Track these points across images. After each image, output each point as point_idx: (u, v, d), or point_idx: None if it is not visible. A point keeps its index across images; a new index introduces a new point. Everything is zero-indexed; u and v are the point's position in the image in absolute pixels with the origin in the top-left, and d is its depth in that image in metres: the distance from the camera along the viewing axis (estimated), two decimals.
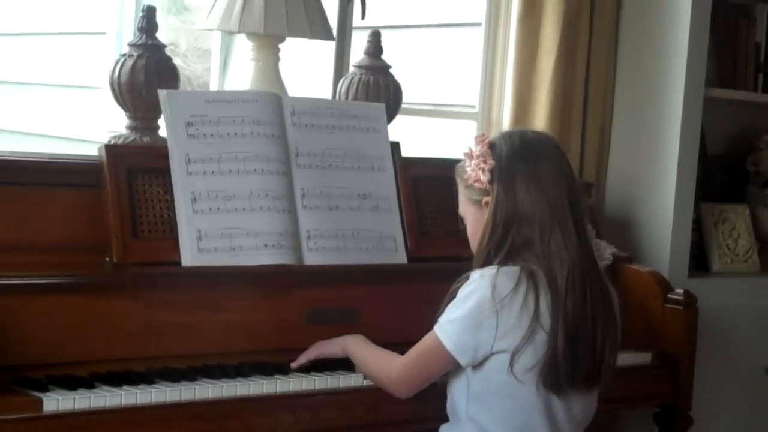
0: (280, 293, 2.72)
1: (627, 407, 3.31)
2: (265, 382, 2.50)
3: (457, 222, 2.79)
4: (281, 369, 2.58)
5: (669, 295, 3.21)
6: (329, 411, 2.53)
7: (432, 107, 3.83)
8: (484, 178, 2.41)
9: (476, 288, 2.35)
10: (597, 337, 2.37)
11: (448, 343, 2.37)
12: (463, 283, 2.40)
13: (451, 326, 2.37)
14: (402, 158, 2.99)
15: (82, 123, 3.32)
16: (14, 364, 2.34)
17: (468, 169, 2.45)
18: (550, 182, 2.39)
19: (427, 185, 3.02)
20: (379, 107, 3.01)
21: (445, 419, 2.51)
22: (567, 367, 2.33)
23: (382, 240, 2.89)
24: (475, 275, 2.37)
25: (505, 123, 3.65)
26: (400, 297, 2.89)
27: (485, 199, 2.44)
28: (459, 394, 2.44)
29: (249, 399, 2.45)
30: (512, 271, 2.35)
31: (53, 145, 3.23)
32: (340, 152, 2.89)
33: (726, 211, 4.00)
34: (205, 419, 2.38)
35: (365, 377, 2.56)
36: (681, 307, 3.17)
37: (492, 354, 2.35)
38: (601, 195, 3.73)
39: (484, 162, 2.41)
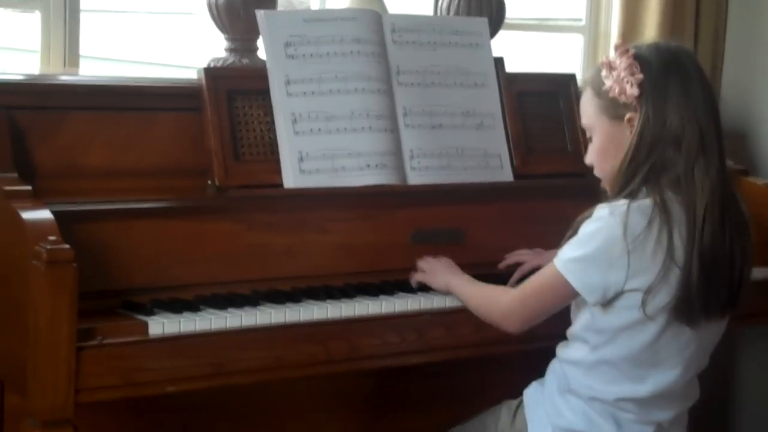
0: (383, 214, 2.69)
1: (749, 323, 3.23)
2: (370, 302, 2.48)
3: (564, 137, 2.74)
4: (386, 289, 2.55)
5: None
6: (436, 331, 2.50)
7: (536, 21, 3.74)
8: (632, 91, 2.24)
9: (605, 226, 2.22)
10: (735, 264, 2.27)
11: (575, 282, 2.25)
12: (587, 218, 2.26)
13: (577, 265, 2.25)
14: (506, 74, 2.92)
15: (182, 49, 3.31)
16: (120, 288, 2.37)
17: (608, 80, 2.28)
18: (700, 103, 2.25)
19: (532, 101, 2.96)
20: (482, 22, 2.94)
21: (557, 337, 2.44)
22: (702, 299, 2.23)
23: (487, 158, 2.83)
24: (603, 212, 2.23)
25: (613, 35, 3.55)
26: (507, 215, 2.84)
27: (629, 114, 2.27)
28: (584, 323, 2.34)
29: (354, 320, 2.44)
30: (645, 206, 2.22)
31: (154, 72, 3.23)
32: (442, 69, 2.83)
33: None
34: (311, 341, 2.37)
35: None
36: None
37: (623, 293, 2.24)
38: None
39: (632, 74, 2.24)
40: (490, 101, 2.87)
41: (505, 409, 2.47)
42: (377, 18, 2.78)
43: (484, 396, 2.59)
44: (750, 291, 2.91)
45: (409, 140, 2.74)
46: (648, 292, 2.22)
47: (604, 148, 2.34)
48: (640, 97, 2.25)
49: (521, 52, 3.56)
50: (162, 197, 2.46)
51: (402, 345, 2.47)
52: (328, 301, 2.47)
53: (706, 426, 3.37)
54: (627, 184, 2.25)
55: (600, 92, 2.32)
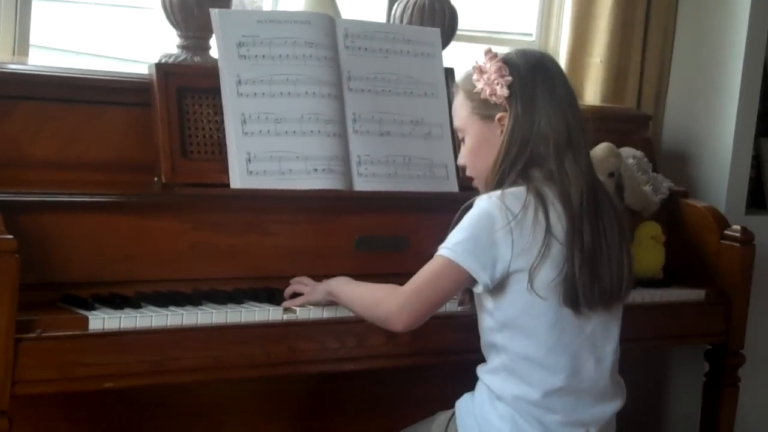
0: (328, 218, 2.70)
1: (678, 343, 3.29)
2: (311, 307, 2.48)
3: None
4: None
5: (725, 232, 3.16)
6: (375, 338, 2.51)
7: (487, 34, 3.76)
8: (502, 92, 2.35)
9: (485, 209, 2.30)
10: (612, 255, 2.35)
11: (465, 262, 2.29)
12: (467, 210, 2.34)
13: (464, 246, 2.30)
14: None
15: (134, 43, 3.29)
16: (61, 281, 2.35)
17: (479, 83, 2.38)
18: (565, 102, 2.37)
19: None
20: (434, 32, 2.95)
21: None
22: (585, 283, 2.30)
23: (434, 167, 2.85)
24: (481, 200, 2.32)
25: (563, 52, 3.58)
26: (450, 225, 2.85)
27: (499, 114, 2.37)
28: (488, 327, 2.38)
29: (295, 324, 2.44)
30: (518, 191, 2.31)
31: (104, 65, 3.20)
32: (393, 77, 2.84)
33: None
34: (251, 343, 2.37)
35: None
36: (737, 244, 3.12)
37: (510, 274, 2.30)
38: (658, 128, 3.67)
39: (501, 76, 2.35)
40: (439, 111, 2.88)
41: (439, 420, 2.49)
42: (331, 23, 2.78)
43: (420, 405, 2.60)
44: (679, 311, 2.98)
45: (357, 146, 2.75)
46: (532, 268, 2.28)
47: (476, 147, 2.43)
48: (509, 97, 2.35)
49: (472, 62, 3.56)
50: (107, 191, 2.44)
51: (341, 351, 2.48)
52: (269, 303, 2.47)
53: None
54: (502, 181, 2.34)
55: (471, 95, 2.41)
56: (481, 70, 2.38)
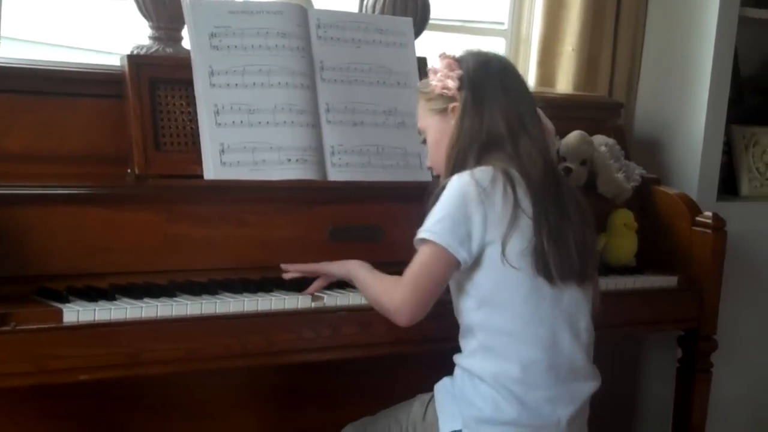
0: (302, 209, 2.70)
1: (651, 329, 3.31)
2: (286, 297, 2.49)
3: None
4: (303, 285, 2.56)
5: (697, 218, 3.18)
6: (350, 328, 2.52)
7: (460, 23, 3.77)
8: (452, 84, 2.46)
9: (456, 185, 2.37)
10: (577, 234, 2.41)
11: (443, 241, 2.34)
12: (440, 192, 2.40)
13: (440, 225, 2.36)
14: None
15: (105, 34, 3.27)
16: (35, 274, 2.34)
17: (432, 82, 2.50)
18: (516, 93, 2.47)
19: None
20: (407, 22, 2.96)
21: None
22: (554, 253, 2.37)
23: (407, 156, 2.86)
24: (452, 179, 2.39)
25: (534, 41, 3.59)
26: (425, 215, 2.85)
27: (452, 105, 2.47)
28: (465, 308, 2.42)
29: (271, 314, 2.44)
30: (486, 168, 2.39)
31: (75, 56, 3.19)
32: (366, 67, 2.84)
33: (757, 134, 3.94)
34: (226, 334, 2.37)
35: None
36: (709, 231, 3.14)
37: (485, 246, 2.35)
38: (630, 115, 3.68)
39: (451, 71, 2.46)
40: (412, 101, 2.87)
41: (418, 403, 2.51)
42: (303, 12, 2.78)
43: (398, 392, 2.61)
44: (652, 297, 3.01)
45: (330, 136, 2.75)
46: (504, 239, 2.35)
47: (435, 141, 2.53)
48: (459, 88, 2.46)
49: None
50: (81, 184, 2.44)
51: (317, 341, 2.48)
52: (244, 294, 2.47)
53: (610, 426, 3.45)
54: (461, 165, 2.42)
55: (427, 94, 2.53)
56: (434, 71, 2.51)
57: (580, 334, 2.44)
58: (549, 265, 2.37)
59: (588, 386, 2.46)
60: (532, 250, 2.36)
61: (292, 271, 2.56)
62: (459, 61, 2.48)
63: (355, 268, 2.52)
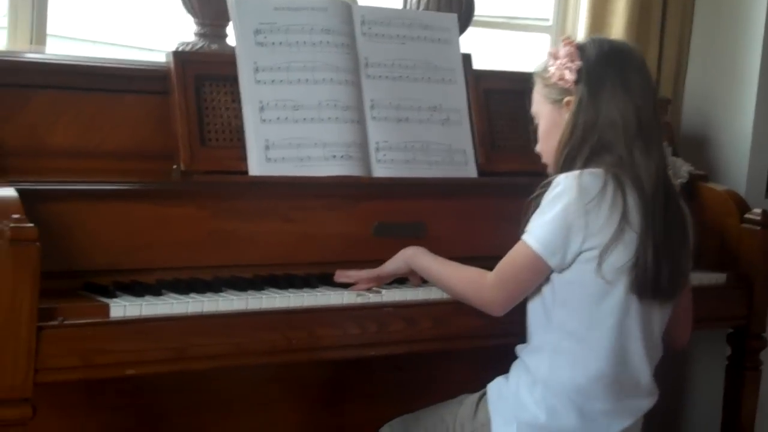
0: (347, 205, 2.69)
1: (700, 327, 3.25)
2: (332, 293, 2.49)
3: (529, 136, 2.75)
4: (349, 282, 2.55)
5: (746, 215, 3.15)
6: (396, 324, 2.51)
7: (504, 19, 3.75)
8: (569, 77, 2.39)
9: (562, 191, 2.31)
10: (676, 249, 2.36)
11: (537, 246, 2.31)
12: (546, 189, 2.35)
13: (540, 230, 2.32)
14: (473, 71, 2.93)
15: (150, 31, 3.29)
16: (82, 269, 2.35)
17: (551, 68, 2.42)
18: (637, 90, 2.37)
19: (498, 98, 2.97)
20: (451, 18, 2.94)
21: (514, 334, 2.47)
22: (652, 273, 2.31)
23: (452, 153, 2.84)
24: (560, 178, 2.33)
25: (580, 36, 3.56)
26: (469, 211, 2.85)
27: (567, 98, 2.41)
28: (545, 301, 2.39)
29: (316, 310, 2.44)
30: (597, 171, 2.32)
31: (121, 54, 3.20)
32: (411, 63, 2.83)
33: None
34: (272, 329, 2.37)
35: (444, 292, 2.51)
36: (758, 228, 3.11)
37: (581, 253, 2.31)
38: (677, 111, 3.65)
39: (571, 61, 2.39)
40: (457, 97, 2.88)
41: (468, 402, 2.49)
42: (347, 9, 2.78)
43: (442, 390, 2.60)
44: (700, 295, 2.97)
45: (375, 133, 2.74)
46: (603, 251, 2.29)
47: (546, 130, 2.47)
48: (577, 82, 2.38)
49: (489, 49, 3.56)
50: (126, 180, 2.45)
51: (362, 337, 2.47)
52: (290, 290, 2.47)
53: (659, 424, 3.42)
54: (569, 165, 2.35)
55: (544, 80, 2.46)
56: (554, 56, 2.42)
57: (652, 351, 2.41)
58: (645, 282, 2.31)
59: (647, 402, 2.43)
60: (633, 265, 2.30)
61: (347, 279, 2.53)
62: (581, 50, 2.40)
63: (416, 257, 2.50)
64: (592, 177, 2.30)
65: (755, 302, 3.10)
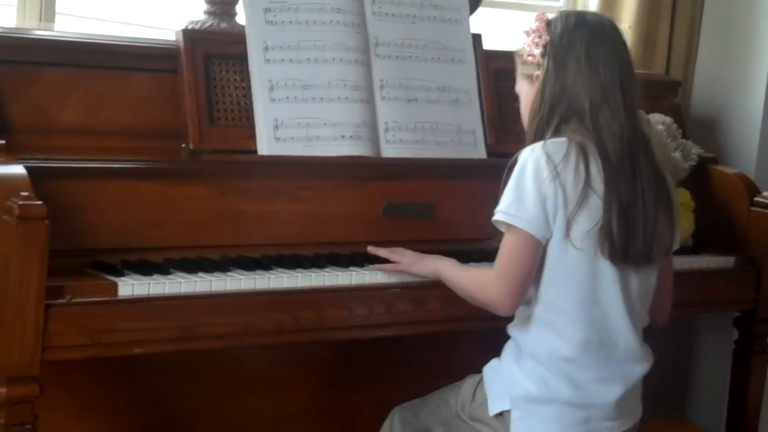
0: (356, 185, 2.69)
1: (708, 310, 3.28)
2: (340, 273, 2.48)
3: None
4: (356, 261, 2.55)
5: (755, 199, 3.14)
6: (403, 305, 2.51)
7: (515, 0, 3.73)
8: (536, 51, 2.42)
9: (528, 160, 2.33)
10: (649, 214, 2.36)
11: (526, 226, 2.32)
12: (512, 166, 2.37)
13: (518, 207, 2.33)
14: (484, 51, 2.92)
15: (159, 10, 3.28)
16: (90, 248, 2.35)
17: (524, 44, 2.46)
18: (600, 61, 2.39)
19: (508, 79, 2.93)
20: None
21: None
22: (621, 236, 2.32)
23: (461, 134, 2.83)
24: (524, 152, 2.36)
25: None
26: (478, 192, 2.82)
27: (536, 72, 2.43)
28: None
29: (324, 290, 2.44)
30: (559, 141, 2.35)
31: (130, 32, 3.19)
32: (421, 43, 2.82)
33: None
34: (279, 309, 2.37)
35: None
36: (767, 211, 3.08)
37: (557, 218, 2.32)
38: (687, 94, 3.64)
39: (539, 37, 2.42)
40: (467, 78, 2.87)
41: (467, 384, 2.50)
42: None
43: (449, 371, 2.60)
44: (708, 278, 2.97)
45: (384, 113, 2.73)
46: (569, 218, 2.31)
47: (524, 106, 2.50)
48: (543, 56, 2.41)
49: (499, 30, 3.55)
50: (135, 158, 2.44)
51: (370, 317, 2.47)
52: (297, 270, 2.47)
53: (664, 407, 3.42)
54: (540, 136, 2.38)
55: (520, 57, 2.49)
56: (527, 33, 2.46)
57: (636, 316, 2.41)
58: (615, 246, 2.32)
59: (640, 368, 2.43)
60: (598, 231, 2.32)
61: (378, 253, 2.55)
62: (548, 26, 2.43)
63: (442, 269, 2.49)
64: (554, 146, 2.34)
65: (763, 286, 3.09)
